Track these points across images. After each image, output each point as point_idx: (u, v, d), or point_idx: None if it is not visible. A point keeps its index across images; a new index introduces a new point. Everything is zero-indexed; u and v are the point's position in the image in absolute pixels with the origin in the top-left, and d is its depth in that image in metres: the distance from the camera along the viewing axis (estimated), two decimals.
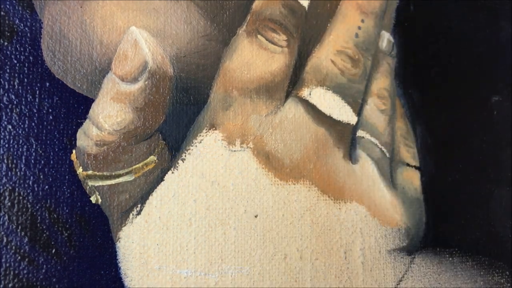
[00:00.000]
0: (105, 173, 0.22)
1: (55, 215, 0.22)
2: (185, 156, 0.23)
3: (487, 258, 0.28)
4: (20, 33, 0.22)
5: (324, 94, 0.26)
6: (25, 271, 0.21)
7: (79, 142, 0.22)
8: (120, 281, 0.22)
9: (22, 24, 0.22)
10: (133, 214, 0.22)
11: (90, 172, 0.22)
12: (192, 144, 0.24)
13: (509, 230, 0.29)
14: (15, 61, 0.22)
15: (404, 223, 0.26)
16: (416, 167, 0.29)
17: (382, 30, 0.29)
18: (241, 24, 0.25)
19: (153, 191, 0.23)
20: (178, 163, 0.23)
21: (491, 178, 0.31)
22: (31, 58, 0.22)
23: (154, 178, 0.23)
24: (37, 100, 0.22)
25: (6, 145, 0.21)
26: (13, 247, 0.21)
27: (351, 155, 0.27)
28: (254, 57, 0.25)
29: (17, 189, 0.21)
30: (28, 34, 0.22)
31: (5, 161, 0.21)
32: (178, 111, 0.24)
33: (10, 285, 0.20)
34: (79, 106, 0.23)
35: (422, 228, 0.28)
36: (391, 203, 0.27)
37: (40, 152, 0.22)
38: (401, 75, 0.30)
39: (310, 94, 0.26)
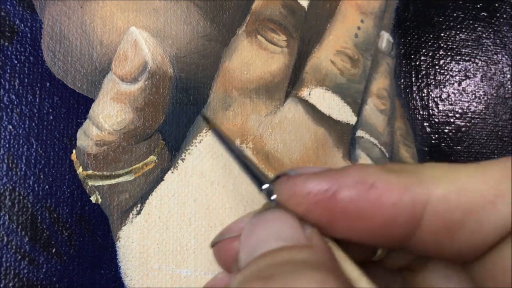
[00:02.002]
0: (105, 173, 0.22)
1: (55, 215, 0.22)
2: (185, 156, 0.24)
3: None
4: (20, 34, 0.22)
5: (323, 94, 0.26)
6: (25, 271, 0.21)
7: (79, 142, 0.22)
8: (120, 280, 0.22)
9: (22, 25, 0.22)
10: (133, 214, 0.23)
11: (90, 171, 0.22)
12: (192, 144, 0.24)
13: None
14: (16, 62, 0.22)
15: None
16: None
17: (381, 31, 0.29)
18: (241, 24, 0.25)
19: (153, 191, 0.23)
20: (178, 163, 0.23)
21: None
22: (31, 58, 0.22)
23: (154, 178, 0.23)
24: (37, 100, 0.22)
25: (7, 145, 0.21)
26: (14, 247, 0.21)
27: (350, 155, 0.27)
28: (254, 57, 0.25)
29: (17, 188, 0.21)
30: (29, 35, 0.22)
31: (6, 161, 0.21)
32: (178, 111, 0.24)
33: (10, 284, 0.20)
34: (79, 106, 0.23)
35: None
36: None
37: (41, 152, 0.22)
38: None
39: (309, 94, 0.26)
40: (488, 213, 0.13)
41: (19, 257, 0.21)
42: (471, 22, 0.32)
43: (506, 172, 0.13)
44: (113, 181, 0.22)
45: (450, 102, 0.31)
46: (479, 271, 0.14)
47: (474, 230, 0.13)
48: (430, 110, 0.30)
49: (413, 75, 0.30)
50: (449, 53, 0.31)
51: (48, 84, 0.22)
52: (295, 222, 0.14)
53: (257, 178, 0.18)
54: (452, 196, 0.13)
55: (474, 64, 0.32)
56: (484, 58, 0.32)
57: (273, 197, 0.15)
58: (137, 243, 0.22)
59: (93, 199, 0.22)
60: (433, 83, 0.31)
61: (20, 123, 0.22)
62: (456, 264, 0.15)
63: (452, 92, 0.31)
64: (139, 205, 0.23)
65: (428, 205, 0.13)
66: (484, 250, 0.14)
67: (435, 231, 0.13)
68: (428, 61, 0.31)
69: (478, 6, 0.33)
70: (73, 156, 0.22)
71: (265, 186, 0.16)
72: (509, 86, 0.33)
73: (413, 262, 0.16)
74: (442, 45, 0.31)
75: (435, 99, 0.30)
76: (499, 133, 0.32)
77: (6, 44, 0.22)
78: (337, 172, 0.14)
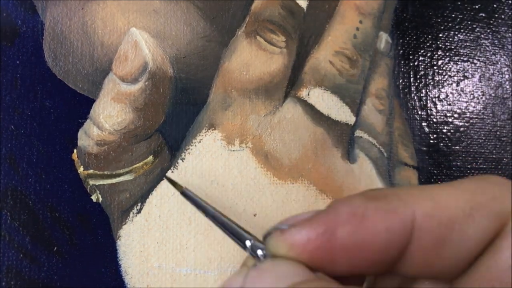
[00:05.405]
0: (105, 172, 0.23)
1: (56, 214, 0.22)
2: (185, 155, 0.24)
3: None
4: (22, 35, 0.23)
5: (322, 94, 0.26)
6: (27, 269, 0.21)
7: (80, 142, 0.23)
8: (121, 278, 0.22)
9: (24, 26, 0.23)
10: (133, 213, 0.23)
11: (91, 171, 0.22)
12: (192, 144, 0.24)
13: None
14: (17, 62, 0.22)
15: None
16: (413, 167, 0.29)
17: (380, 31, 0.29)
18: (240, 25, 0.26)
19: (153, 190, 0.23)
20: (177, 163, 0.24)
21: None
22: (33, 59, 0.23)
23: (154, 177, 0.23)
24: (39, 100, 0.22)
25: (9, 145, 0.22)
26: (15, 245, 0.21)
27: (349, 155, 0.27)
28: (253, 58, 0.25)
29: (19, 188, 0.21)
30: (30, 36, 0.23)
31: (8, 160, 0.22)
32: (178, 111, 0.24)
33: (12, 282, 0.21)
34: (80, 106, 0.23)
35: None
36: None
37: (42, 151, 0.22)
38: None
39: (308, 94, 0.26)
40: (468, 225, 0.14)
41: (21, 255, 0.21)
42: (469, 22, 0.33)
43: (479, 187, 0.14)
44: (113, 181, 0.23)
45: (448, 102, 0.31)
46: (466, 284, 0.14)
47: (458, 243, 0.14)
48: (429, 110, 0.30)
49: (411, 76, 0.30)
50: (447, 54, 0.32)
51: (49, 84, 0.23)
52: (300, 264, 0.14)
53: (238, 236, 0.18)
54: (434, 212, 0.14)
55: (473, 65, 0.32)
56: (482, 58, 0.32)
57: (260, 252, 0.15)
58: (137, 241, 0.22)
59: (94, 198, 0.23)
60: (432, 83, 0.31)
61: (22, 123, 0.22)
62: (442, 281, 0.15)
63: (451, 92, 0.31)
64: (139, 204, 0.23)
65: (414, 224, 0.14)
66: (469, 263, 0.14)
67: (423, 248, 0.14)
68: (426, 62, 0.31)
69: (477, 6, 0.33)
70: (74, 156, 0.23)
71: (249, 243, 0.16)
72: (507, 87, 0.33)
73: (401, 286, 0.16)
74: (440, 45, 0.31)
75: (434, 99, 0.31)
76: (498, 133, 0.32)
77: (8, 45, 0.22)
78: (327, 212, 0.14)
